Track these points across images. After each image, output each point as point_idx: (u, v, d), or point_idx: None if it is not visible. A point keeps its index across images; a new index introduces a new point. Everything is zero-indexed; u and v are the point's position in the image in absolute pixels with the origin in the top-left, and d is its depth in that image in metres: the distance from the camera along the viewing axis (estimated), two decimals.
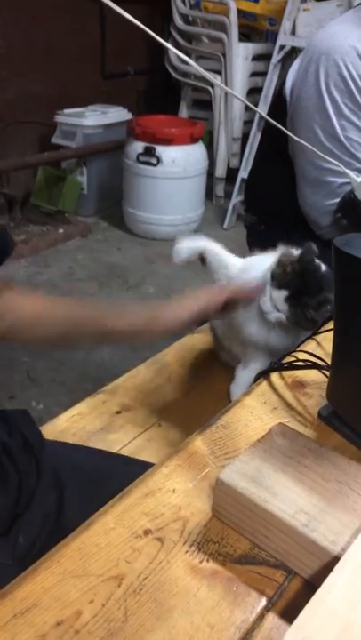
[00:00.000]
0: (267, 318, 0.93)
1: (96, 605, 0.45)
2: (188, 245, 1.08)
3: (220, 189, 3.68)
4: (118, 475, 0.57)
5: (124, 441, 1.11)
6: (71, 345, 0.89)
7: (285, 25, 3.05)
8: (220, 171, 3.59)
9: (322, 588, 0.41)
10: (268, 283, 0.93)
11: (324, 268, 0.92)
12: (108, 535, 0.51)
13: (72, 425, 1.14)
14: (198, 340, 1.37)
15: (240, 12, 3.26)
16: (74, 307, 0.89)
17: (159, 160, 3.00)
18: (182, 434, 1.10)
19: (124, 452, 1.09)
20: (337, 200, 1.34)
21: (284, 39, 3.07)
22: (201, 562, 0.50)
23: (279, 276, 0.91)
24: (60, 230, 3.15)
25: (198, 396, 1.24)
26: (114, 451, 1.08)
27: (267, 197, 1.57)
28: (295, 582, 0.49)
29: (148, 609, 0.46)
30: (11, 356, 2.20)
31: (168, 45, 0.60)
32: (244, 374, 1.11)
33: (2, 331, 0.81)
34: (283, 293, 0.90)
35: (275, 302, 0.91)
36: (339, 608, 0.39)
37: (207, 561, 0.50)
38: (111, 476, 0.59)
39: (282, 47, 3.10)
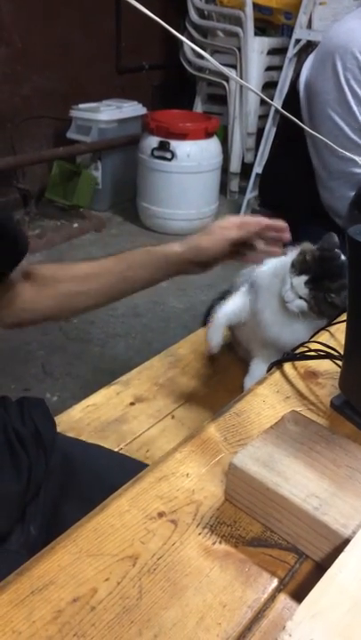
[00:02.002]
0: (289, 308, 0.94)
1: (111, 583, 0.47)
2: (217, 333, 1.11)
3: (234, 184, 3.68)
4: (126, 477, 0.58)
5: (137, 432, 1.13)
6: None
7: (301, 19, 3.04)
8: (235, 166, 3.59)
9: (333, 567, 0.42)
10: (288, 272, 0.94)
11: (343, 257, 0.93)
12: (122, 517, 0.53)
13: (86, 415, 1.15)
14: None
15: (256, 6, 3.25)
16: (106, 275, 0.91)
17: (174, 155, 3.00)
18: (196, 425, 1.11)
19: (138, 443, 1.10)
20: None
21: (300, 33, 3.06)
22: (214, 543, 0.51)
23: (299, 263, 0.93)
24: (75, 225, 3.18)
25: (212, 389, 1.25)
26: (127, 442, 1.10)
27: (282, 192, 1.57)
28: (306, 565, 0.50)
29: (161, 587, 0.47)
30: (26, 349, 2.22)
31: (184, 39, 0.61)
32: (258, 368, 1.12)
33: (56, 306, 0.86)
34: (303, 278, 0.92)
35: (296, 289, 0.92)
36: (349, 586, 0.40)
37: (220, 543, 0.51)
38: (119, 477, 0.59)
39: (298, 41, 3.09)
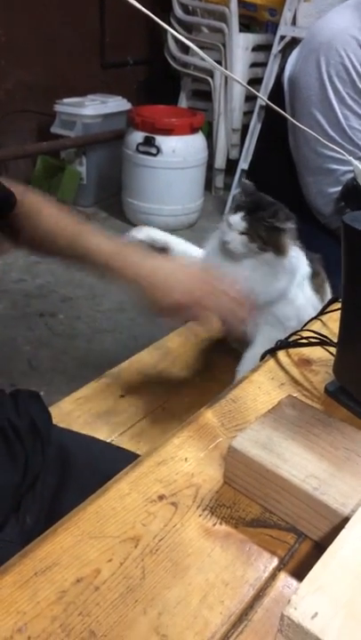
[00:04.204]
0: (232, 249, 0.98)
1: (114, 564, 0.47)
2: (150, 234, 1.14)
3: (219, 181, 3.69)
4: (121, 468, 0.58)
5: (127, 424, 1.13)
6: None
7: (286, 15, 3.05)
8: (220, 162, 3.60)
9: (334, 543, 0.43)
10: (225, 221, 1.00)
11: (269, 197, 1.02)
12: (123, 500, 0.53)
13: (77, 408, 1.15)
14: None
15: (240, 3, 3.26)
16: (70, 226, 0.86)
17: (159, 150, 3.00)
18: (186, 417, 1.12)
19: (128, 435, 1.10)
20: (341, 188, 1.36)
21: (284, 30, 3.08)
22: (214, 525, 0.51)
23: (233, 207, 1.01)
24: None
25: (202, 381, 1.25)
26: (118, 433, 1.10)
27: (268, 187, 1.57)
28: (305, 544, 0.51)
29: (164, 567, 0.47)
30: (12, 345, 2.21)
31: (171, 30, 0.61)
32: (250, 356, 1.13)
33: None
34: (239, 215, 0.98)
35: (235, 227, 0.97)
36: (351, 561, 0.41)
37: (220, 524, 0.52)
38: (114, 468, 0.60)
39: (282, 38, 3.10)
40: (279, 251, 0.98)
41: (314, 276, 1.09)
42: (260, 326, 1.09)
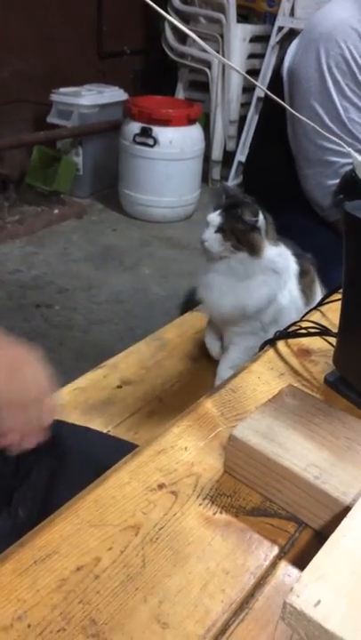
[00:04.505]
0: (206, 247, 0.98)
1: (114, 552, 0.47)
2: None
3: (216, 172, 3.67)
4: (117, 457, 0.58)
5: (124, 415, 1.13)
6: None
7: (284, 6, 3.04)
8: (217, 153, 3.59)
9: (336, 532, 0.42)
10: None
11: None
12: (123, 489, 0.53)
13: (73, 399, 1.15)
14: (199, 317, 1.38)
15: None
16: None
17: (156, 141, 2.98)
18: (183, 408, 1.11)
19: (125, 426, 1.10)
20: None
21: (282, 20, 3.06)
22: (215, 514, 0.51)
23: (214, 206, 1.01)
24: (55, 211, 3.14)
25: (199, 372, 1.25)
26: (114, 424, 1.09)
27: (266, 179, 1.57)
28: (306, 533, 0.51)
29: (164, 556, 0.47)
30: (7, 336, 2.19)
31: (170, 18, 0.60)
32: (225, 366, 1.12)
33: None
34: (217, 212, 0.97)
35: (212, 224, 0.96)
36: (353, 549, 0.41)
37: (220, 513, 0.51)
38: (110, 458, 0.59)
39: (280, 29, 3.09)
40: (253, 250, 0.96)
41: (302, 275, 1.06)
42: (238, 334, 1.08)
